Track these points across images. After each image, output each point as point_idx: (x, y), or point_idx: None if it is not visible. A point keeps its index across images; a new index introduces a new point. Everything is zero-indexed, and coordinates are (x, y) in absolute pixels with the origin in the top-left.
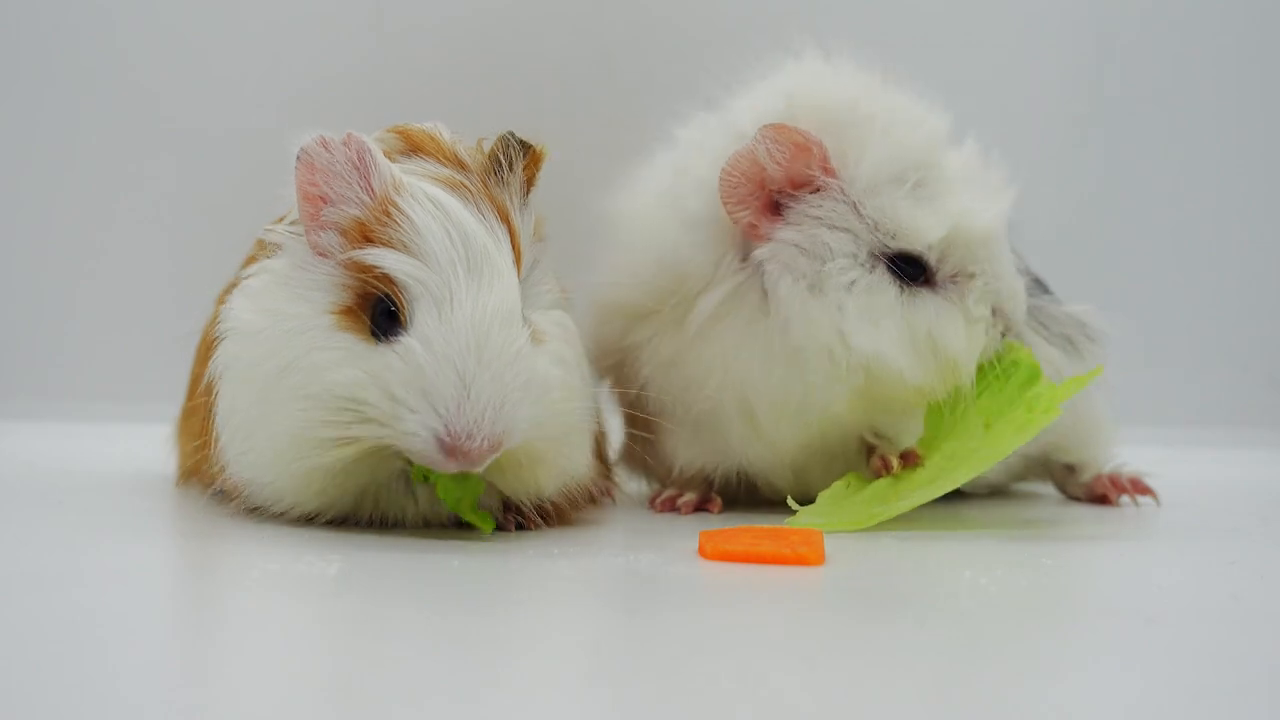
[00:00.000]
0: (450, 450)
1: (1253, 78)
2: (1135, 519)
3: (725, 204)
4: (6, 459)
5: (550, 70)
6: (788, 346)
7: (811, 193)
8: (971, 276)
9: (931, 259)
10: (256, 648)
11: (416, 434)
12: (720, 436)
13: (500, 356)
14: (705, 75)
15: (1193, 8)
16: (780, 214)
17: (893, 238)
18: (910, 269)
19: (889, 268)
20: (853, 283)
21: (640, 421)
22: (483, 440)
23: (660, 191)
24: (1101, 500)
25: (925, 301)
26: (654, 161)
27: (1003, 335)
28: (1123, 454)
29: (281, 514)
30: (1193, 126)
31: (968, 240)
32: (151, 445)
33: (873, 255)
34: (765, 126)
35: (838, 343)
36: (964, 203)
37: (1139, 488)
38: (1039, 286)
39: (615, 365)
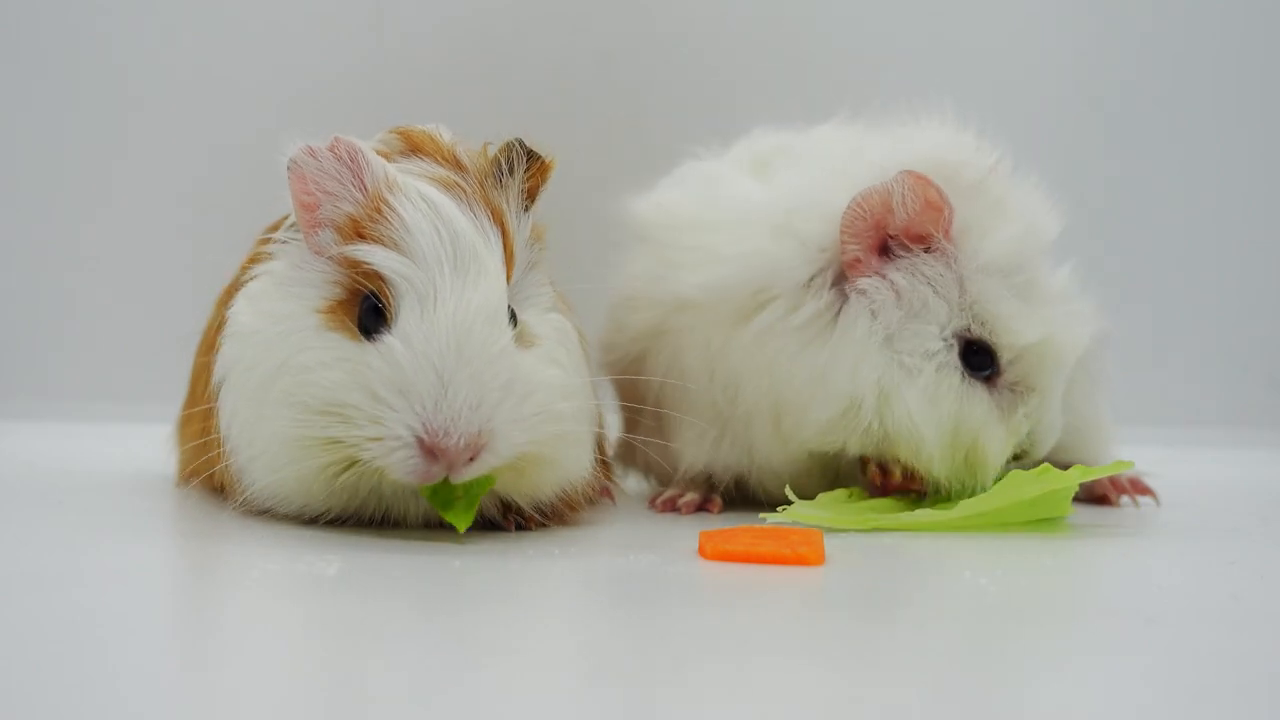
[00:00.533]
0: (429, 450)
1: (1253, 78)
2: (1135, 519)
3: (843, 233)
4: (6, 459)
5: (548, 73)
6: (823, 378)
7: (925, 251)
8: (1031, 391)
9: (1004, 359)
10: (256, 648)
11: (398, 436)
12: (745, 437)
13: (481, 355)
14: (704, 79)
15: (1193, 8)
16: (888, 257)
17: (982, 325)
18: (979, 360)
19: (961, 352)
20: (933, 354)
21: (649, 417)
22: (459, 438)
23: (764, 200)
24: (1101, 500)
25: (980, 398)
26: (732, 155)
27: (1015, 457)
28: (1123, 454)
29: (285, 515)
30: (1193, 127)
31: (1044, 354)
32: (151, 445)
33: (955, 334)
34: (906, 172)
35: (871, 398)
36: (1060, 316)
37: (1139, 488)
38: None
39: (639, 354)
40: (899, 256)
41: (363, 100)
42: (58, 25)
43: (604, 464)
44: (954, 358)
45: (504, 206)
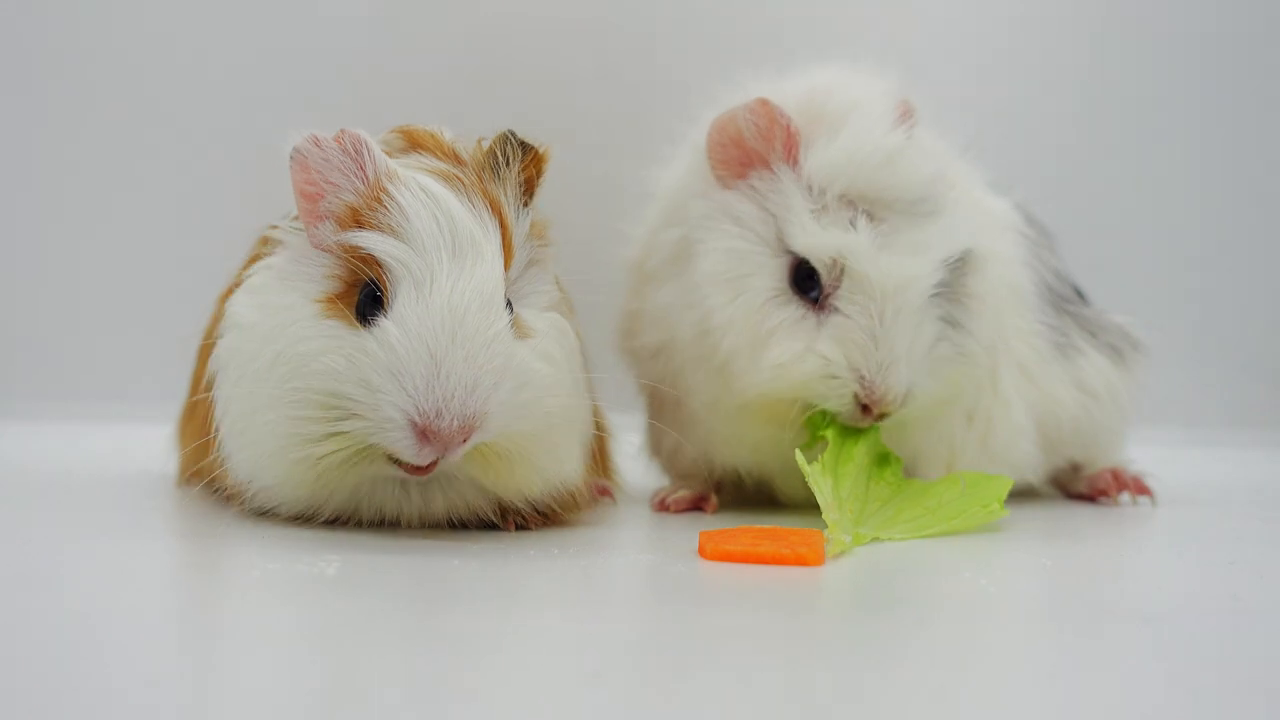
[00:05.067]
0: (422, 432)
1: (1251, 77)
2: (1135, 519)
3: (710, 158)
4: (6, 459)
5: (547, 75)
6: (696, 288)
7: (770, 171)
8: (836, 311)
9: (824, 279)
10: (256, 648)
11: (391, 419)
12: (683, 411)
13: (475, 337)
14: (704, 78)
15: (1191, 9)
16: (741, 180)
17: (784, 237)
18: (807, 283)
19: (791, 272)
20: (742, 255)
21: (654, 409)
22: (452, 419)
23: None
24: (1102, 494)
25: (790, 312)
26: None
27: (864, 407)
28: (1125, 453)
29: (281, 513)
30: (1192, 126)
31: (852, 277)
32: (151, 445)
33: (783, 248)
34: (754, 98)
35: (705, 310)
36: (863, 241)
37: (1140, 488)
38: (1079, 297)
39: (626, 332)
40: (746, 178)
41: (363, 101)
42: (58, 27)
43: (604, 464)
44: (777, 270)
45: (502, 199)
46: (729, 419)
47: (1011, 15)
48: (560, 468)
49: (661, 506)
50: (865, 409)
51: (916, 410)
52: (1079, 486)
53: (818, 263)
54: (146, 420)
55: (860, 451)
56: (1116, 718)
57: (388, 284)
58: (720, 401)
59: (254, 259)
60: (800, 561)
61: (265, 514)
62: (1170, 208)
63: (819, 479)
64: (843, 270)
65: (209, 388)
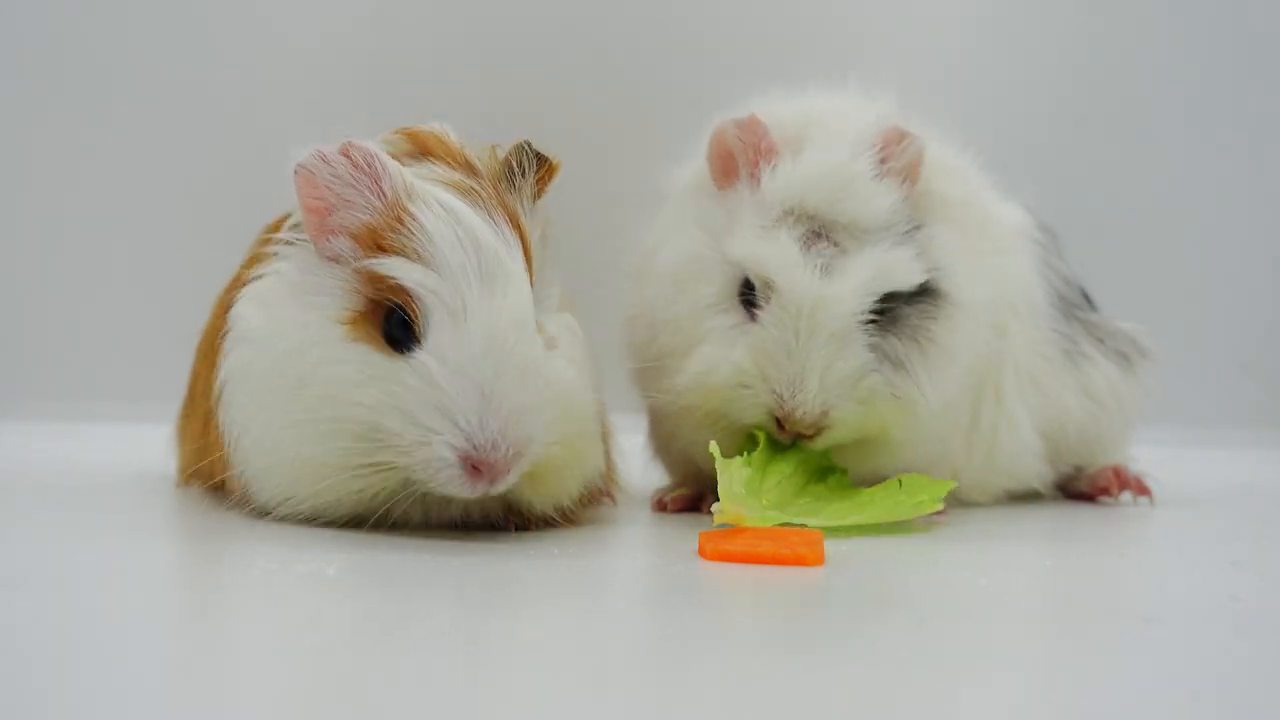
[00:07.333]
0: (475, 464)
1: (1251, 77)
2: (1135, 519)
3: (709, 166)
4: (6, 459)
5: (548, 72)
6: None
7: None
8: (762, 325)
9: (759, 292)
10: (256, 648)
11: (443, 457)
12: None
13: (518, 366)
14: (703, 75)
15: (1189, 9)
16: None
17: (724, 245)
18: (749, 293)
19: (741, 282)
20: (697, 259)
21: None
22: (507, 449)
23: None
24: (1102, 491)
25: (725, 320)
26: None
27: (780, 425)
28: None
29: (295, 519)
30: (1191, 125)
31: (777, 292)
32: (151, 445)
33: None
34: (745, 115)
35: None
36: (790, 257)
37: (1140, 488)
38: (1086, 301)
39: (630, 333)
40: (731, 188)
41: (363, 101)
42: (57, 26)
43: (605, 464)
44: (726, 276)
45: (519, 210)
46: (679, 423)
47: (1014, 21)
48: (590, 467)
49: (660, 506)
50: (781, 425)
51: (840, 437)
52: (1080, 485)
53: (750, 274)
54: (146, 420)
55: (793, 458)
56: (1116, 718)
57: (418, 312)
58: (668, 405)
59: (253, 259)
60: (800, 561)
61: (265, 514)
62: (1169, 208)
63: (730, 467)
64: (772, 285)
65: (216, 397)
